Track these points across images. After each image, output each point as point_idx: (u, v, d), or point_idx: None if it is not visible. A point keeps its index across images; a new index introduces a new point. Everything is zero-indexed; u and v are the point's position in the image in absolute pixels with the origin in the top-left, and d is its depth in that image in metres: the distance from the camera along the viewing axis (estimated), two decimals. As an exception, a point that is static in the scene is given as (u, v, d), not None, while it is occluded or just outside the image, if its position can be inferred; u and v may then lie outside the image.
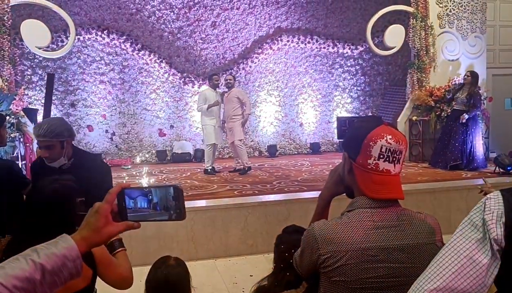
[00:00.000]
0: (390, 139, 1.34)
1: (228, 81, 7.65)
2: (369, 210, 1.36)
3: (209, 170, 7.44)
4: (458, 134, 7.43)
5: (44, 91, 8.18)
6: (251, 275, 4.49)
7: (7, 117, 5.96)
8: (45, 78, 8.43)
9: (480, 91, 7.79)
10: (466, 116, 7.36)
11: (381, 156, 1.34)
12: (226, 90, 7.62)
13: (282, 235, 1.85)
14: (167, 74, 9.38)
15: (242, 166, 7.53)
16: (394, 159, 1.35)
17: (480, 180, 6.62)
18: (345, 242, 1.32)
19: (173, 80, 9.45)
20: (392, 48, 8.73)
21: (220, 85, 7.99)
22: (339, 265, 1.32)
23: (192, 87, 9.46)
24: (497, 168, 6.97)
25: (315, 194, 5.86)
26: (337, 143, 10.40)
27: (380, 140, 1.33)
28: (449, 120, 7.66)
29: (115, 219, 1.00)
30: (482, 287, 0.98)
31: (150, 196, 0.96)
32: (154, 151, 9.36)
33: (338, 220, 1.38)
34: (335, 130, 10.45)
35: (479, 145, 7.53)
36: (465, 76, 7.62)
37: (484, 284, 0.98)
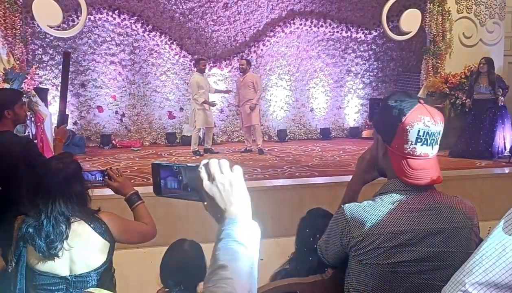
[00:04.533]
0: (428, 121, 1.26)
1: (241, 66, 7.82)
2: (403, 193, 1.30)
3: (197, 151, 7.66)
4: (489, 123, 7.24)
5: (58, 69, 8.19)
6: (261, 259, 4.45)
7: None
8: (57, 58, 8.48)
9: None
10: (503, 99, 7.15)
11: (419, 140, 1.26)
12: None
13: (307, 218, 1.79)
14: (178, 56, 9.29)
15: (258, 147, 7.84)
16: (432, 141, 1.28)
17: (496, 169, 6.55)
18: (379, 224, 1.27)
19: (184, 62, 9.36)
20: (408, 33, 8.56)
21: (207, 69, 8.01)
22: (371, 248, 1.27)
23: (203, 69, 9.36)
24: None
25: (326, 179, 5.81)
26: (348, 129, 10.31)
27: (418, 123, 1.26)
28: (474, 111, 7.42)
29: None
30: None
31: (180, 177, 0.92)
32: (163, 133, 9.34)
33: (370, 202, 1.33)
34: (346, 116, 10.36)
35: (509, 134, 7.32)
36: (481, 64, 7.43)
37: None
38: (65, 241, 1.80)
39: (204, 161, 0.86)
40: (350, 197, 1.48)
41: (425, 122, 1.26)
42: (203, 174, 0.85)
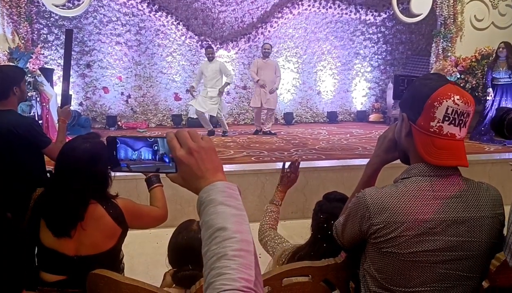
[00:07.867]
0: (458, 99, 1.20)
1: (266, 49, 7.90)
2: (428, 179, 1.24)
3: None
4: None
5: (63, 49, 8.12)
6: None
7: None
8: (62, 38, 8.40)
9: None
10: None
11: (446, 118, 1.20)
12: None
13: (323, 203, 1.73)
14: (184, 36, 9.18)
15: (268, 130, 8.02)
16: (461, 122, 1.21)
17: (505, 154, 6.47)
18: (401, 212, 1.21)
19: (190, 43, 9.26)
20: (418, 15, 8.40)
21: (214, 56, 7.79)
22: (393, 236, 1.21)
23: (209, 51, 9.25)
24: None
25: (333, 163, 5.76)
26: (355, 113, 10.23)
27: (446, 101, 1.19)
28: (496, 96, 7.15)
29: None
30: None
31: (156, 147, 0.86)
32: (169, 115, 9.29)
33: (392, 187, 1.26)
34: (353, 99, 10.26)
35: None
36: (500, 48, 7.19)
37: None
38: (79, 222, 1.78)
39: (172, 132, 0.84)
40: (369, 177, 1.42)
41: (454, 99, 1.20)
42: (175, 143, 0.82)
